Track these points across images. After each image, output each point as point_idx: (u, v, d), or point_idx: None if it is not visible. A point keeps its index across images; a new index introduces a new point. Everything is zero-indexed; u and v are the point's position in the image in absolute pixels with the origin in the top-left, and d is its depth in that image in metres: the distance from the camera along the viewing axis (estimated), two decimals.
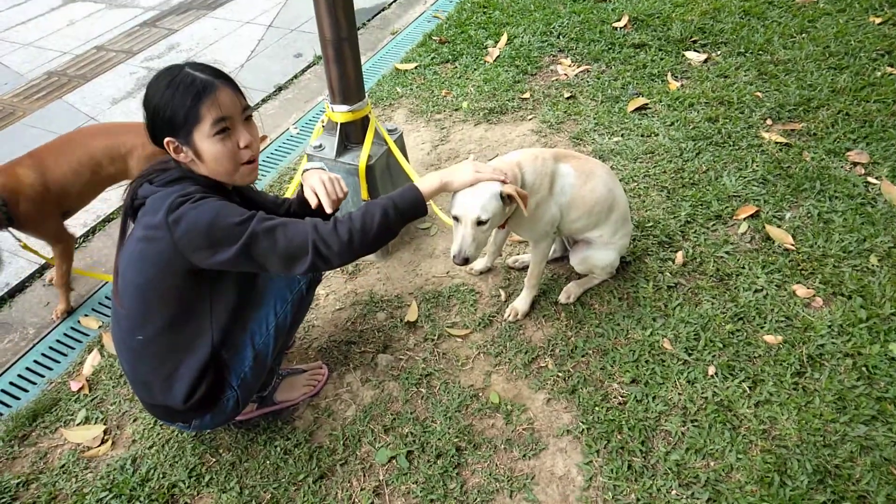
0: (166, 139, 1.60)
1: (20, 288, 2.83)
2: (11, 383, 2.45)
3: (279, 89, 4.08)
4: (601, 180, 2.17)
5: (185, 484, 2.00)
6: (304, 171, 1.95)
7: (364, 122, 2.54)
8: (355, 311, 2.51)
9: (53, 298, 2.80)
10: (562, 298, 2.39)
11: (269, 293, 1.92)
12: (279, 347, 1.97)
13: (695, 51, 3.88)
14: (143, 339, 1.69)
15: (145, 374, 1.76)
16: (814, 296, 2.30)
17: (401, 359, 2.29)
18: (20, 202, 2.38)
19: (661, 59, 3.83)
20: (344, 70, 2.39)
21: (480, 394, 2.14)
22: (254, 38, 4.63)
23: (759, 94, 3.37)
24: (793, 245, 2.48)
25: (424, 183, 1.74)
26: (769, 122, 3.17)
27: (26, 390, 2.42)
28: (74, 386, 2.38)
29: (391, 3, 5.11)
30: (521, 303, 2.37)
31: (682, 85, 3.59)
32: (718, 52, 3.84)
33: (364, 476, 1.96)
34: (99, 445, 2.18)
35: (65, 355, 2.54)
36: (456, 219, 1.85)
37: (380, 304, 2.52)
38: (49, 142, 2.56)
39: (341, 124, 2.49)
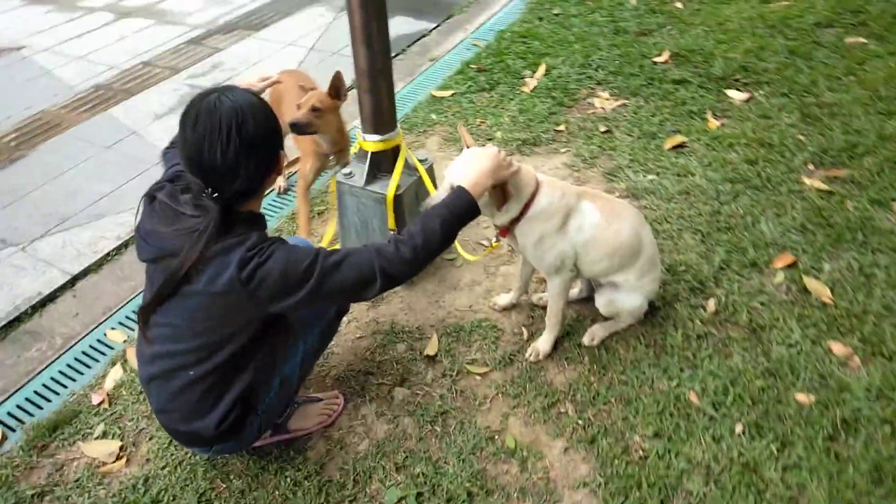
0: (280, 153, 1.68)
1: (51, 298, 2.88)
2: (36, 392, 2.48)
3: None
4: (628, 223, 2.12)
5: None
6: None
7: (395, 152, 2.54)
8: (375, 340, 2.48)
9: (82, 309, 2.84)
10: (586, 340, 2.34)
11: (299, 322, 1.93)
12: (305, 375, 2.00)
13: (737, 89, 3.80)
14: (195, 375, 1.71)
15: (184, 405, 1.76)
16: (851, 354, 2.20)
17: (417, 394, 2.25)
18: None
19: (702, 97, 3.77)
20: (378, 101, 2.39)
21: (496, 436, 2.08)
22: (295, 60, 4.70)
23: (801, 137, 3.28)
24: (831, 299, 2.38)
25: (472, 182, 1.81)
26: (811, 167, 3.07)
27: (49, 400, 2.44)
28: (95, 399, 2.39)
29: (431, 30, 5.15)
30: (543, 343, 2.31)
31: (722, 124, 3.51)
32: (761, 92, 3.76)
33: None
34: (114, 462, 2.18)
35: (89, 367, 2.56)
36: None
37: (400, 335, 2.49)
38: None
39: (372, 153, 2.50)
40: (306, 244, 2.27)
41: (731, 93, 3.77)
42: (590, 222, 2.09)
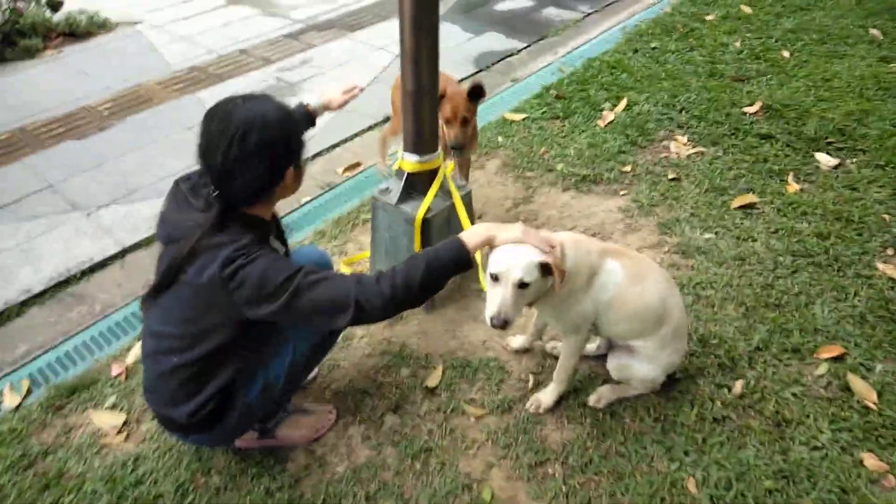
0: (290, 168, 1.70)
1: (101, 265, 3.05)
2: (67, 353, 2.63)
3: (387, 119, 4.15)
4: (654, 287, 1.99)
5: (170, 497, 2.03)
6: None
7: (433, 174, 2.51)
8: (382, 360, 2.46)
9: (126, 281, 2.99)
10: (591, 401, 2.22)
11: (292, 329, 1.94)
12: (292, 383, 1.99)
13: (827, 153, 3.50)
14: (178, 362, 1.77)
15: (165, 390, 1.83)
16: (886, 472, 1.96)
17: (407, 424, 2.21)
18: None
19: (787, 156, 3.50)
20: (420, 122, 2.37)
21: (474, 486, 2.01)
22: (380, 65, 4.77)
23: (886, 216, 2.98)
24: (876, 404, 2.14)
25: (470, 235, 1.73)
26: (890, 251, 2.78)
27: (76, 363, 2.59)
28: (115, 370, 2.51)
29: (521, 50, 5.09)
30: (546, 396, 2.21)
31: (801, 189, 3.25)
32: (854, 160, 3.45)
33: None
34: (116, 435, 2.27)
35: (118, 338, 2.69)
36: (494, 278, 1.75)
37: (408, 359, 2.46)
38: None
39: (409, 172, 2.48)
40: (321, 255, 2.29)
41: (821, 156, 3.48)
42: (613, 281, 1.97)
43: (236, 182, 1.62)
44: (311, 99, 2.34)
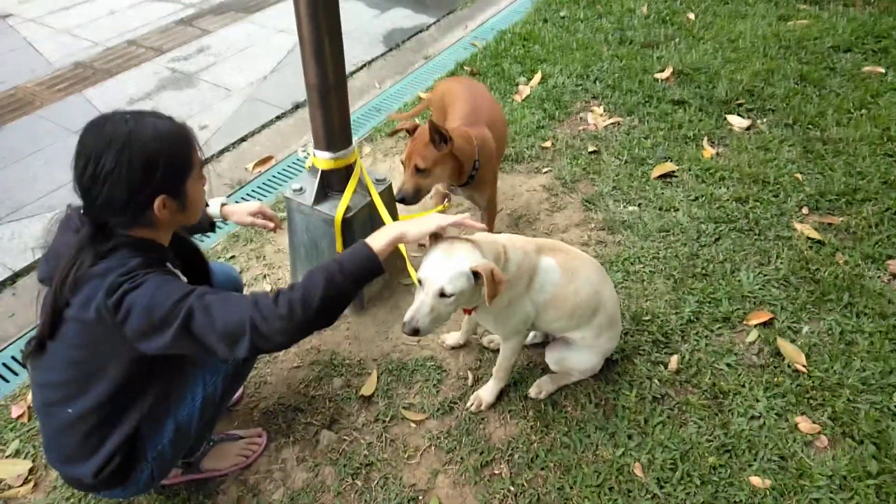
0: (161, 197, 1.45)
1: None
2: None
3: (296, 107, 3.94)
4: (587, 280, 1.94)
5: None
6: (222, 205, 2.02)
7: (349, 170, 2.36)
8: (312, 371, 2.33)
9: (20, 309, 2.71)
10: (532, 392, 2.16)
11: (200, 362, 1.76)
12: (206, 419, 1.81)
13: (739, 115, 3.57)
14: (73, 413, 1.56)
15: (65, 446, 1.63)
16: (819, 433, 2.01)
17: (345, 439, 2.09)
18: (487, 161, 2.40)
19: (700, 121, 3.54)
20: (328, 118, 2.21)
21: (421, 497, 1.92)
22: (284, 49, 4.51)
23: (799, 175, 3.06)
24: (805, 367, 2.19)
25: (377, 237, 1.54)
26: (805, 210, 2.85)
27: None
28: (15, 411, 2.26)
29: (430, 26, 4.93)
30: (486, 393, 2.15)
31: (717, 153, 3.29)
32: (764, 120, 3.52)
33: None
34: (21, 485, 2.05)
35: (16, 374, 2.43)
36: (420, 282, 1.64)
37: (339, 367, 2.33)
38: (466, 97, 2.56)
39: (322, 171, 2.32)
40: (227, 273, 2.11)
41: (733, 119, 3.54)
42: (550, 280, 1.89)
43: (96, 201, 1.41)
44: (212, 201, 2.03)
